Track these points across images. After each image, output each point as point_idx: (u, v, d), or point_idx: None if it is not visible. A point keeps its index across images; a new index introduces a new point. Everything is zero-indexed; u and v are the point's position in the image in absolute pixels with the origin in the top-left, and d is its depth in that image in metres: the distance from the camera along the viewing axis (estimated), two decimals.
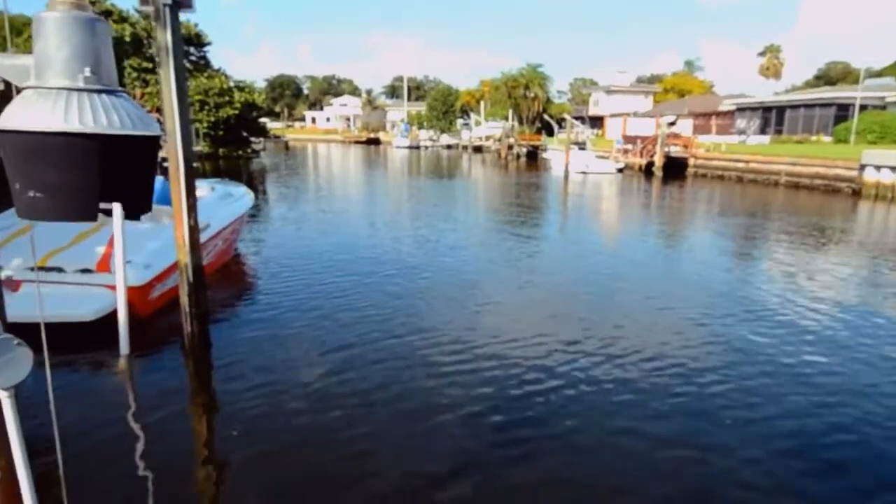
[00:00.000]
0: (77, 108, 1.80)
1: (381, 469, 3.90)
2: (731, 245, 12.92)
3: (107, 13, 41.52)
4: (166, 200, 7.09)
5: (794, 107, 43.45)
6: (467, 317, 7.16)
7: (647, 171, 32.67)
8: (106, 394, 4.96)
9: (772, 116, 45.15)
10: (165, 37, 5.03)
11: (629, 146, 36.78)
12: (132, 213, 2.03)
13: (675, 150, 33.98)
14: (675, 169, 32.36)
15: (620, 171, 33.39)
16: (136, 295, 6.27)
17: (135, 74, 39.78)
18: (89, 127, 1.82)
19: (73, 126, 1.79)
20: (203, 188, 9.94)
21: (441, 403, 4.87)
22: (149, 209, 2.09)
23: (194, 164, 16.36)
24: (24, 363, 1.82)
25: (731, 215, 17.75)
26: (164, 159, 10.43)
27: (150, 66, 36.32)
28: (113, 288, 6.05)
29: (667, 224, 16.36)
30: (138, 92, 39.70)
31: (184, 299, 5.53)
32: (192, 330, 5.56)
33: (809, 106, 42.18)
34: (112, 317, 5.77)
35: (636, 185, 29.24)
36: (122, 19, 41.63)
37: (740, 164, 30.17)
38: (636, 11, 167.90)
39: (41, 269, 6.29)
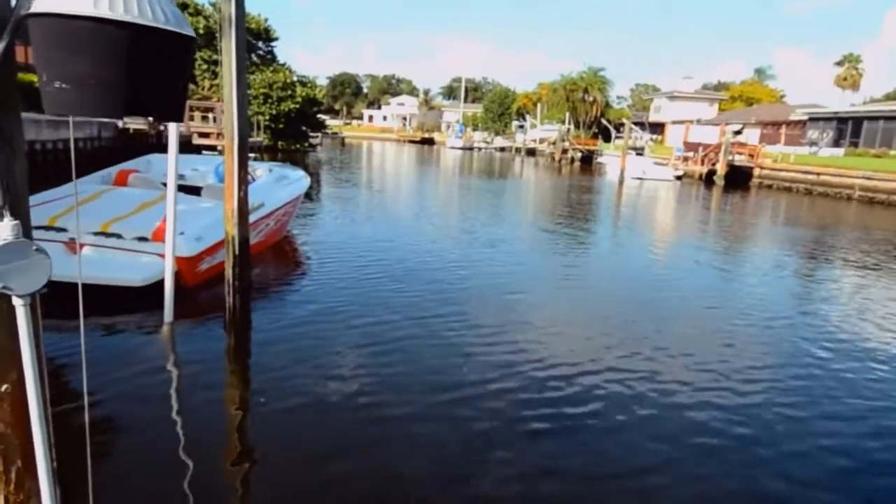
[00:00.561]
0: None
1: (410, 464, 3.77)
2: (797, 261, 12.15)
3: (183, 6, 43.51)
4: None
5: (873, 118, 40.76)
6: (510, 319, 6.98)
7: (708, 179, 31.41)
8: (145, 359, 5.03)
9: (847, 128, 42.53)
10: (230, 7, 5.10)
11: (690, 153, 35.49)
12: (161, 118, 1.92)
13: (740, 159, 32.54)
14: (739, 178, 30.96)
15: (679, 178, 32.27)
16: (185, 265, 6.46)
17: (205, 66, 41.54)
18: (119, 14, 1.72)
19: (103, 12, 1.70)
20: (261, 170, 10.24)
21: (478, 409, 4.68)
22: (181, 118, 1.98)
23: (253, 154, 16.49)
24: (42, 271, 1.72)
25: (798, 228, 16.76)
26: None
27: (220, 57, 37.78)
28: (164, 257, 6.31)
29: (726, 234, 15.60)
30: (207, 83, 41.44)
31: (228, 271, 5.59)
32: (234, 303, 5.62)
33: (890, 118, 39.49)
34: (161, 285, 5.95)
35: (695, 192, 28.12)
36: (197, 12, 43.51)
37: (810, 176, 28.55)
38: (705, 17, 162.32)
39: (102, 234, 6.57)
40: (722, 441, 4.23)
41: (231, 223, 5.51)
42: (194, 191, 8.83)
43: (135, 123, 19.17)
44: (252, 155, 24.87)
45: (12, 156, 1.77)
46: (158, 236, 6.64)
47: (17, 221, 1.69)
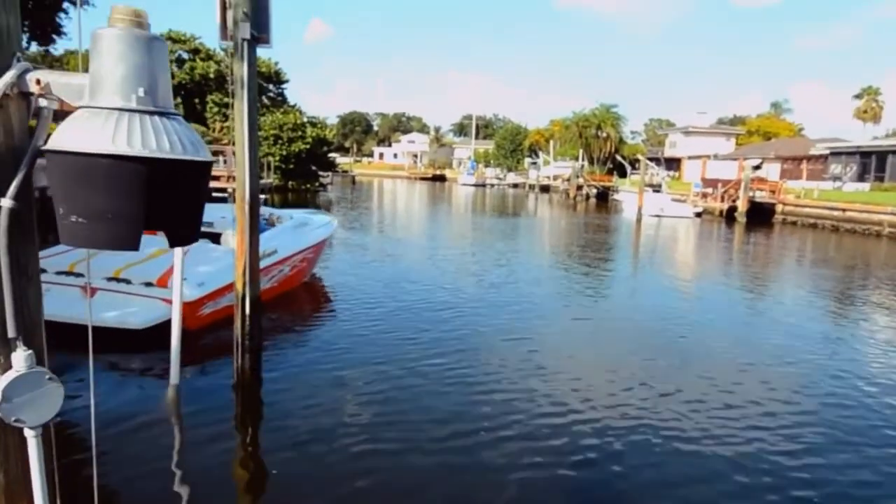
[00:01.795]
0: (127, 129, 1.73)
1: None
2: (826, 302, 11.89)
3: (195, 51, 45.14)
4: None
5: None
6: (529, 368, 6.82)
7: (729, 216, 31.25)
8: (150, 425, 4.94)
9: (871, 162, 42.36)
10: (242, 70, 5.23)
11: (709, 190, 35.43)
12: (177, 242, 1.93)
13: (761, 195, 32.41)
14: (761, 215, 30.77)
15: (698, 215, 32.14)
16: (186, 309, 6.65)
17: (216, 109, 42.77)
18: (137, 150, 1.74)
19: (121, 148, 1.72)
20: (283, 216, 10.64)
21: (493, 458, 4.53)
22: (195, 239, 2.01)
23: (263, 196, 17.06)
24: (55, 400, 1.73)
25: (827, 267, 16.48)
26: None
27: (231, 101, 38.92)
28: (168, 301, 6.60)
29: (751, 274, 15.36)
30: (218, 125, 42.60)
31: (238, 331, 5.54)
32: (244, 364, 5.55)
33: None
34: (161, 327, 6.13)
35: (716, 230, 27.95)
36: (209, 57, 45.08)
37: (836, 213, 28.27)
38: (718, 51, 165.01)
39: (114, 279, 7.09)
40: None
41: (241, 281, 5.49)
42: (216, 237, 9.24)
43: None
44: (262, 197, 25.35)
45: (27, 284, 1.78)
46: (163, 282, 7.06)
47: (30, 351, 1.70)
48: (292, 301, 9.47)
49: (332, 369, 6.39)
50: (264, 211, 10.59)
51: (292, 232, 9.92)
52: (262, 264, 7.82)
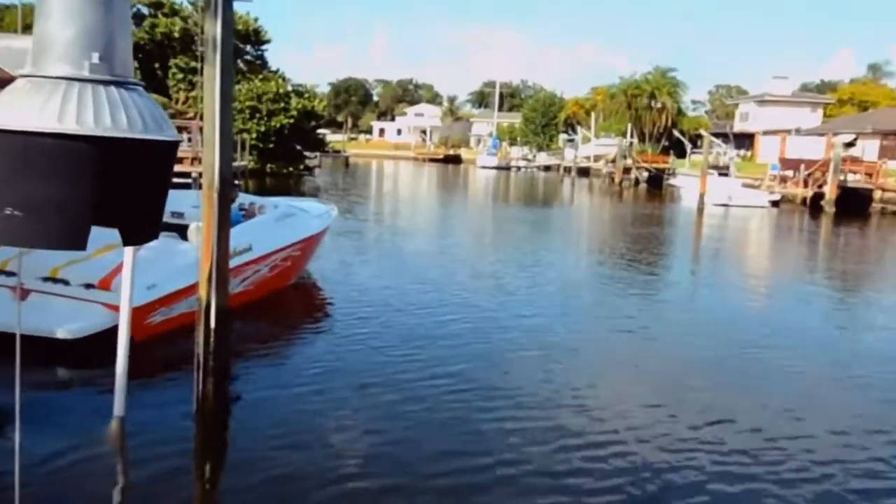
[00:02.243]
0: (76, 103, 1.77)
1: None
2: None
3: (157, 5, 45.58)
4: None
5: None
6: (549, 387, 6.83)
7: (814, 205, 30.98)
8: (88, 466, 4.93)
9: None
10: (215, 28, 5.25)
11: (788, 172, 35.12)
12: (132, 240, 1.96)
13: (854, 179, 32.07)
14: (854, 203, 30.44)
15: (775, 204, 31.92)
16: (132, 316, 6.68)
17: (180, 75, 43.16)
18: (88, 128, 1.78)
19: (69, 126, 1.76)
20: (266, 205, 10.71)
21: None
22: (155, 236, 2.03)
23: (236, 182, 17.00)
24: None
25: None
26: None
27: (200, 66, 39.28)
28: (110, 307, 6.70)
29: (841, 279, 15.22)
30: (182, 95, 42.98)
31: (199, 348, 5.58)
32: (206, 389, 5.57)
33: None
34: (105, 337, 6.20)
35: (797, 223, 27.69)
36: (173, 12, 45.50)
37: None
38: (804, 3, 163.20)
39: (51, 279, 7.14)
40: None
41: (206, 287, 5.55)
42: (185, 231, 9.24)
43: None
44: (235, 182, 25.48)
45: None
46: (105, 283, 7.10)
47: None
48: (272, 308, 9.53)
49: (313, 394, 6.41)
50: (242, 199, 10.71)
51: (273, 225, 10.00)
52: (233, 263, 7.92)
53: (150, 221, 1.93)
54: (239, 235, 8.39)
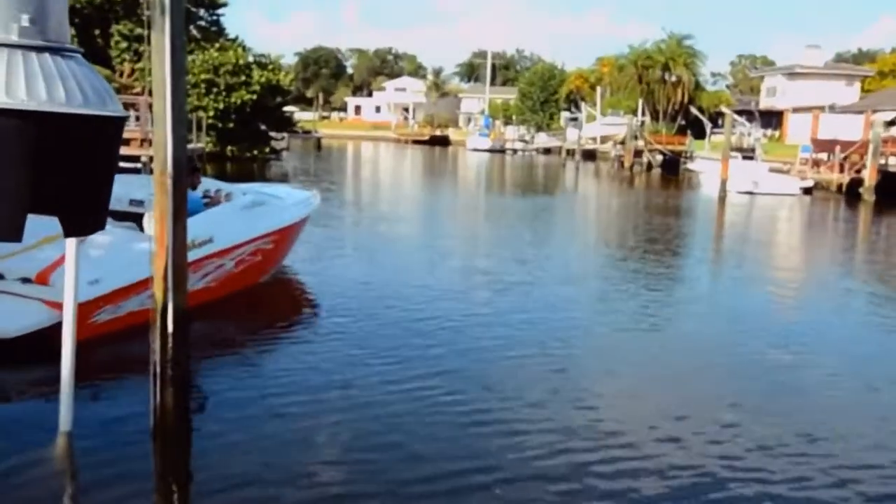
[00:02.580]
0: (5, 71, 1.74)
1: None
2: None
3: None
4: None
5: None
6: (551, 396, 6.87)
7: (851, 192, 31.23)
8: (32, 489, 4.93)
9: None
10: None
11: (822, 155, 35.35)
12: (74, 230, 1.94)
13: None
14: None
15: (807, 191, 32.16)
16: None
17: (124, 44, 42.84)
18: (19, 101, 1.75)
19: None
20: (234, 192, 10.74)
21: None
22: (100, 225, 2.01)
23: (197, 165, 16.74)
24: None
25: None
26: (192, 167, 11.60)
27: (146, 32, 38.97)
28: (50, 304, 6.92)
29: (883, 278, 15.35)
30: (127, 67, 42.69)
31: (156, 356, 5.56)
32: (165, 401, 5.56)
33: None
34: (39, 335, 6.44)
35: (832, 213, 27.92)
36: None
37: None
38: None
39: None
40: None
41: (161, 287, 5.51)
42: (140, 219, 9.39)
43: None
44: (196, 166, 25.39)
45: None
46: (43, 278, 7.27)
47: None
48: (239, 308, 9.61)
49: (288, 404, 6.44)
50: (207, 185, 10.76)
51: (239, 214, 10.11)
52: (191, 257, 8.01)
53: (93, 209, 1.90)
54: (199, 226, 8.50)
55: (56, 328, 6.11)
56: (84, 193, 1.90)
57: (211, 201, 10.22)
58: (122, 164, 23.80)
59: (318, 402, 6.62)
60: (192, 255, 8.22)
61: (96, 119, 1.83)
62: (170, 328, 5.59)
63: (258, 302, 10.24)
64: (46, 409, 5.67)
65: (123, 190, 8.84)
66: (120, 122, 1.88)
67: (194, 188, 9.92)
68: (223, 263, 9.49)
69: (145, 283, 5.95)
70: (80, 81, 1.86)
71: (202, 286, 8.91)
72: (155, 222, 5.58)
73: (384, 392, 6.89)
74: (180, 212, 5.63)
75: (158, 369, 5.61)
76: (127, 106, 28.62)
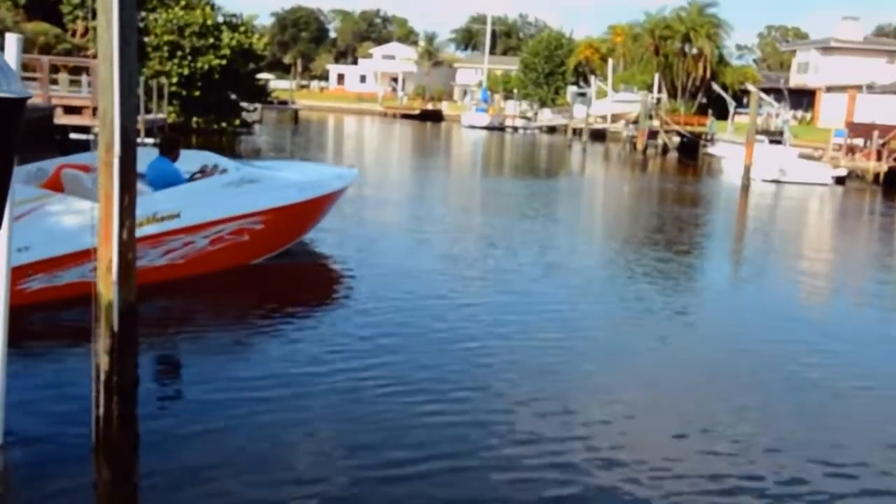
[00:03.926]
0: None
1: None
2: None
3: None
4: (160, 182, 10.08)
5: None
6: (552, 412, 6.84)
7: (890, 182, 31.30)
8: None
9: None
10: None
11: (858, 141, 35.39)
12: None
13: None
14: None
15: (841, 181, 32.21)
16: None
17: (77, 0, 42.43)
18: None
19: None
20: (226, 169, 11.12)
21: None
22: None
23: (151, 140, 17.53)
24: None
25: None
26: (174, 140, 11.67)
27: None
28: None
29: None
30: (80, 26, 42.35)
31: (98, 358, 5.50)
32: (109, 410, 5.50)
33: None
34: None
35: (868, 206, 28.01)
36: None
37: None
38: None
39: None
40: None
41: (106, 280, 5.43)
42: None
43: None
44: (149, 141, 25.32)
45: None
46: None
47: None
48: (209, 292, 9.99)
49: (256, 411, 6.41)
50: (206, 159, 11.39)
51: (219, 191, 10.51)
52: (151, 230, 9.23)
53: None
54: (166, 199, 9.73)
55: None
56: None
57: (202, 176, 10.77)
58: (73, 136, 23.69)
59: (290, 403, 6.62)
60: (153, 229, 9.36)
61: None
62: (115, 327, 5.51)
63: (231, 286, 10.54)
64: None
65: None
66: (17, 104, 1.78)
67: (174, 160, 10.64)
68: (192, 241, 9.94)
69: (89, 254, 5.92)
70: None
71: (166, 262, 9.61)
72: (99, 208, 5.49)
73: (367, 394, 6.88)
74: (129, 196, 5.54)
75: (101, 374, 5.54)
76: (79, 69, 28.50)
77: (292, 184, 11.65)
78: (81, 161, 10.85)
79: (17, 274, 7.47)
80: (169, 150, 10.75)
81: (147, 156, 10.94)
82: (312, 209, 11.99)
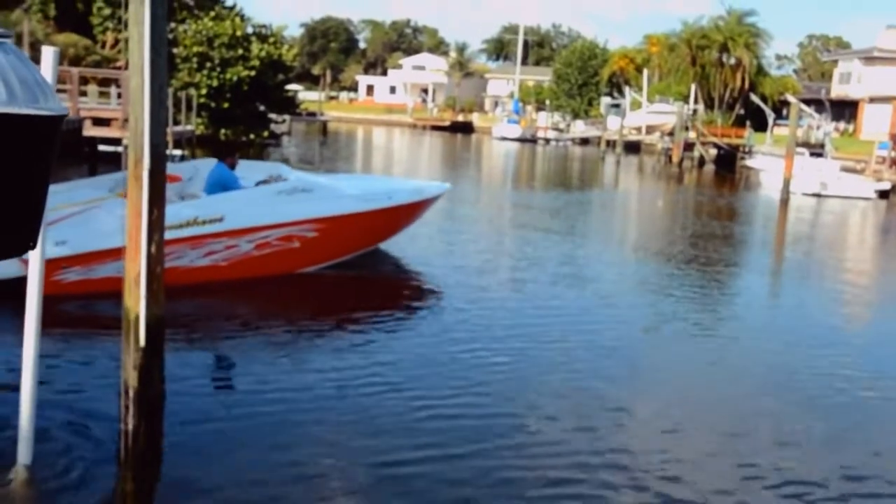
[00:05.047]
0: None
1: None
2: None
3: None
4: (215, 187, 11.07)
5: None
6: (601, 443, 6.81)
7: None
8: None
9: None
10: None
11: None
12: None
13: None
14: None
15: (884, 195, 31.79)
16: None
17: (107, 11, 43.18)
18: None
19: None
20: (287, 175, 11.92)
21: None
22: (30, 245, 1.94)
23: (180, 151, 19.13)
24: None
25: None
26: (232, 147, 13.79)
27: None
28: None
29: None
30: (110, 38, 43.04)
31: (125, 373, 5.58)
32: (136, 427, 5.58)
33: None
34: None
35: None
36: None
37: None
38: None
39: None
40: None
41: (133, 295, 5.52)
42: None
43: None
44: (177, 153, 25.55)
45: None
46: None
47: None
48: (251, 302, 10.47)
49: (287, 430, 6.40)
50: (272, 169, 12.31)
51: (268, 198, 11.13)
52: (193, 232, 10.13)
53: (20, 226, 1.81)
54: (211, 204, 10.60)
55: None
56: (8, 207, 1.81)
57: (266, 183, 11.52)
58: (102, 149, 24.00)
59: (325, 425, 6.63)
60: (194, 231, 10.17)
61: (24, 119, 1.74)
62: (141, 342, 5.60)
63: (277, 295, 10.96)
64: (1, 439, 5.66)
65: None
66: (55, 122, 1.79)
67: (232, 167, 11.47)
68: (235, 244, 10.60)
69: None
70: (4, 73, 1.76)
71: (208, 263, 10.38)
72: (128, 221, 5.59)
73: (404, 419, 6.87)
74: (158, 211, 5.63)
75: (129, 389, 5.62)
76: (108, 81, 28.89)
77: (352, 195, 12.07)
78: (173, 172, 11.67)
79: (51, 267, 8.20)
80: (226, 156, 11.71)
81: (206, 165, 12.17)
82: (377, 220, 12.27)
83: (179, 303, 8.93)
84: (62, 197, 9.69)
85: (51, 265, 8.08)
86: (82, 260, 9.25)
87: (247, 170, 12.29)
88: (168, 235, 10.12)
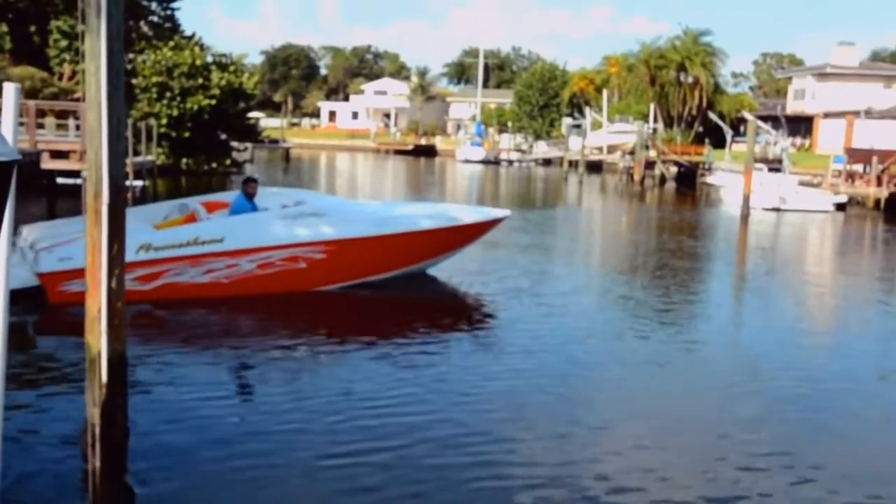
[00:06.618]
0: None
1: None
2: None
3: None
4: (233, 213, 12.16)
5: None
6: (568, 462, 6.82)
7: (891, 208, 31.40)
8: None
9: None
10: None
11: (857, 167, 35.56)
12: None
13: None
14: None
15: (841, 207, 32.35)
16: (45, 281, 10.58)
17: (64, 42, 42.75)
18: None
19: None
20: (306, 200, 12.94)
21: None
22: None
23: (140, 182, 19.84)
24: None
25: None
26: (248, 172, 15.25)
27: (80, 31, 38.95)
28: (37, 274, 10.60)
29: None
30: (67, 69, 42.60)
31: (88, 410, 5.49)
32: (101, 465, 5.47)
33: None
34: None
35: (869, 233, 28.06)
36: None
37: None
38: None
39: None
40: None
41: (94, 332, 5.43)
42: None
43: None
44: (138, 184, 25.21)
45: None
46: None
47: None
48: (234, 326, 10.80)
49: (248, 466, 6.35)
50: (295, 196, 13.36)
51: (272, 221, 11.84)
52: (192, 252, 11.08)
53: None
54: (213, 226, 11.61)
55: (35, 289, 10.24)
56: None
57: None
58: (61, 181, 23.66)
59: (298, 460, 6.54)
60: (192, 251, 11.14)
61: None
62: (104, 378, 5.50)
63: (264, 316, 11.49)
64: None
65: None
66: (8, 167, 1.78)
67: (251, 197, 12.36)
68: (236, 263, 11.34)
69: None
70: None
71: (209, 280, 11.23)
72: (87, 257, 5.52)
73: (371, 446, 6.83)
74: (117, 244, 5.55)
75: (94, 427, 5.51)
76: (66, 113, 28.56)
77: (370, 219, 12.60)
78: (220, 199, 13.11)
79: (57, 278, 10.35)
80: (244, 185, 12.72)
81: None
82: (401, 244, 12.53)
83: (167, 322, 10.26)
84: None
85: (57, 277, 10.37)
86: (84, 273, 9.54)
87: (276, 196, 13.23)
88: (169, 253, 11.22)
